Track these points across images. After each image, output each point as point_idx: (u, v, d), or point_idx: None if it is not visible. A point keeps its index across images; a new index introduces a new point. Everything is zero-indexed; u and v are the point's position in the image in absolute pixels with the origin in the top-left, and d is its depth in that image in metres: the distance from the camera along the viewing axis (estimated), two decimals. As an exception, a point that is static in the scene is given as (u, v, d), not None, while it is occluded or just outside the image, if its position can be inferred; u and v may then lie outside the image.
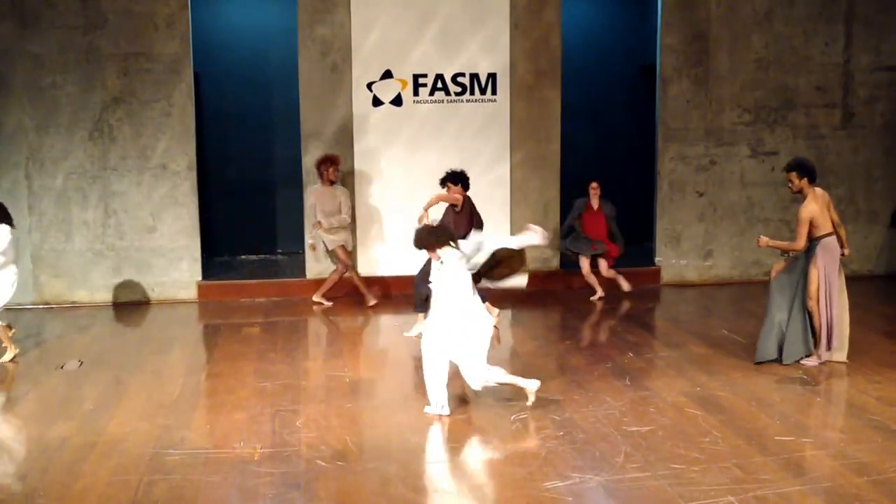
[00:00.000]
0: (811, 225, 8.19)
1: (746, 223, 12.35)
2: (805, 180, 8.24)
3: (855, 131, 12.48)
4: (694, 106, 12.15)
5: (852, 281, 11.42)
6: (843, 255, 8.41)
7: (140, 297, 11.52)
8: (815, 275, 8.21)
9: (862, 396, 7.48)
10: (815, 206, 8.18)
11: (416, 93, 11.75)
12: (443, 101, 11.79)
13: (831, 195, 12.36)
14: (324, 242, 11.16)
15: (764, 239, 8.44)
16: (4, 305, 8.95)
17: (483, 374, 7.17)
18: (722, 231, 12.35)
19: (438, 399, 7.16)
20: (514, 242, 7.56)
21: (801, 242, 8.21)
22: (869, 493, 5.60)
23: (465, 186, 9.56)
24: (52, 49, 11.08)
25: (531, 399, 7.27)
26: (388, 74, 11.67)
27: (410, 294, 11.30)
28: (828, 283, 8.21)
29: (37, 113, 11.17)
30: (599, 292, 11.36)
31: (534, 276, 11.92)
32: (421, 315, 9.51)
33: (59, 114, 11.19)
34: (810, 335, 8.35)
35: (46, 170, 11.24)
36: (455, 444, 6.59)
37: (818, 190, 8.30)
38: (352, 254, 11.55)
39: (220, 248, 13.52)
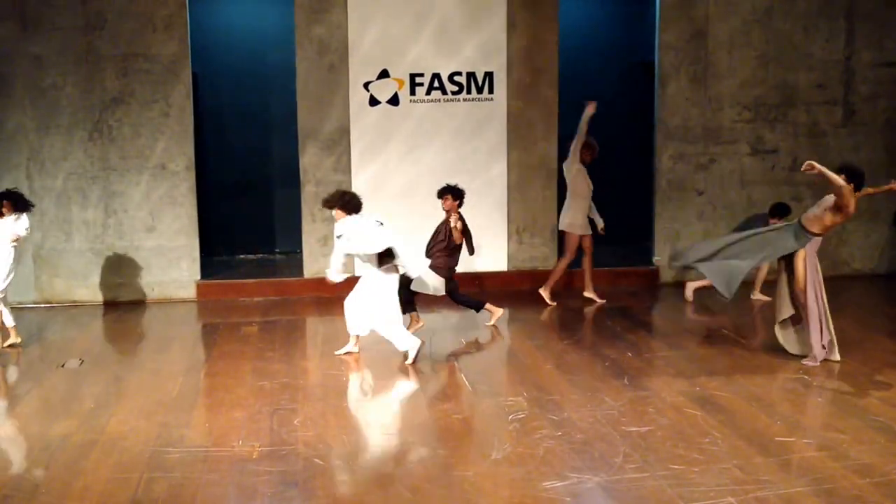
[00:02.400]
0: (819, 219, 8.16)
1: (747, 222, 12.32)
2: (852, 185, 8.11)
3: (856, 129, 12.46)
4: (693, 104, 12.14)
5: (854, 280, 11.48)
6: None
7: (139, 296, 11.52)
8: (803, 268, 8.24)
9: (864, 397, 7.46)
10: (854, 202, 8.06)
11: (412, 92, 11.74)
12: (440, 101, 11.78)
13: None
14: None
15: (810, 163, 8.14)
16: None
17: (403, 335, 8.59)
18: (722, 230, 12.30)
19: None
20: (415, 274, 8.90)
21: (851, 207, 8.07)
22: (871, 496, 5.58)
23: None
24: (52, 50, 11.08)
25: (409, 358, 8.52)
26: (384, 74, 11.67)
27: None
28: (815, 282, 8.21)
29: (37, 114, 11.18)
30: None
31: (530, 275, 12.01)
32: (411, 315, 9.59)
33: (60, 114, 11.19)
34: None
35: (47, 170, 11.24)
36: (452, 443, 6.58)
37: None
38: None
39: (219, 248, 13.51)
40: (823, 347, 8.33)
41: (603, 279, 12.00)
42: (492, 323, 10.03)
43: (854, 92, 12.44)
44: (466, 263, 11.84)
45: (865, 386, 7.72)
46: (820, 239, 8.30)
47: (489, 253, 12.00)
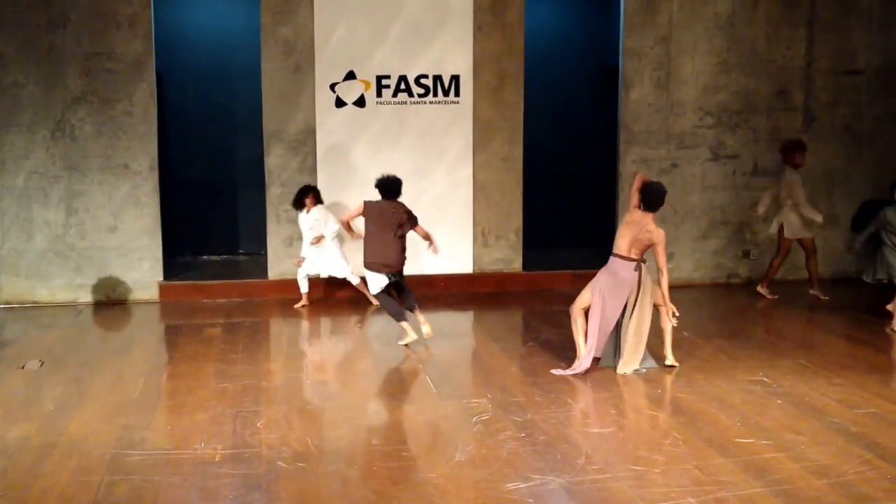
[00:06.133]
0: (644, 246, 8.24)
1: (708, 226, 12.46)
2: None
3: (816, 135, 12.61)
4: (656, 109, 12.24)
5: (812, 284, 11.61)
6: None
7: (101, 297, 11.42)
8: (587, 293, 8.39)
9: (822, 399, 7.56)
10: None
11: (379, 94, 11.74)
12: (406, 103, 11.80)
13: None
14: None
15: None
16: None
17: None
18: (683, 233, 12.43)
19: None
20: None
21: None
22: (828, 496, 5.67)
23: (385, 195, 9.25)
24: (14, 48, 10.95)
25: None
26: (351, 75, 11.66)
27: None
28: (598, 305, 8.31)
29: (-3, 112, 11.07)
30: None
31: (495, 278, 12.06)
32: (403, 324, 9.26)
33: (21, 113, 11.07)
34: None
35: (8, 169, 11.12)
36: (416, 445, 6.59)
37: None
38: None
39: (182, 249, 13.43)
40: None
41: (566, 281, 12.06)
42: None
43: (814, 99, 12.60)
44: (432, 265, 11.89)
45: (824, 388, 7.82)
46: (625, 265, 8.24)
47: (454, 255, 12.02)
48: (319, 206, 10.97)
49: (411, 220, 9.20)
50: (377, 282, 9.15)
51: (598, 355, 8.39)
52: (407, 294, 9.37)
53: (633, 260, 8.21)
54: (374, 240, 9.11)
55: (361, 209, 9.17)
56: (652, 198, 8.21)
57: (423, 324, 9.31)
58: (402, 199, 9.30)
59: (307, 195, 10.91)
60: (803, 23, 12.44)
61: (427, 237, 9.30)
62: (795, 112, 12.57)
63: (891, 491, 5.71)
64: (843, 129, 12.70)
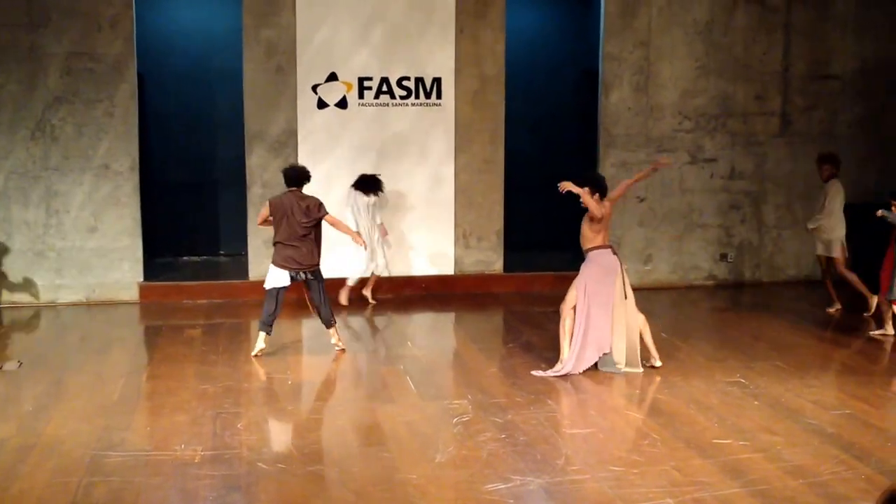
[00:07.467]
0: (584, 236, 8.42)
1: (685, 228, 12.54)
2: (596, 195, 8.37)
3: (792, 139, 12.73)
4: (635, 113, 12.32)
5: (789, 286, 11.71)
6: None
7: (81, 297, 11.38)
8: (573, 292, 8.38)
9: (798, 400, 7.63)
10: (600, 208, 8.36)
11: (361, 95, 11.77)
12: (388, 105, 11.82)
13: (769, 202, 12.72)
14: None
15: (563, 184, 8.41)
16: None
17: None
18: (661, 236, 12.52)
19: None
20: None
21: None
22: (805, 496, 5.73)
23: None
24: (-7, 47, 10.95)
25: None
26: (333, 77, 11.68)
27: (352, 297, 11.30)
28: (584, 302, 8.32)
29: (-23, 111, 11.02)
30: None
31: (476, 279, 12.10)
32: (262, 333, 8.94)
33: (1, 112, 11.02)
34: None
35: (-14, 169, 11.10)
36: (397, 446, 6.61)
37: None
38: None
39: (163, 249, 13.40)
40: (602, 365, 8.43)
41: (547, 283, 12.12)
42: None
43: (791, 103, 12.72)
44: (413, 266, 11.92)
45: (800, 389, 7.90)
46: (602, 253, 8.37)
47: (435, 257, 12.06)
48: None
49: (320, 210, 8.83)
50: (274, 278, 8.85)
51: (606, 351, 8.39)
52: (324, 306, 9.04)
53: (608, 246, 8.42)
54: (282, 236, 8.80)
55: (267, 208, 8.87)
56: (602, 184, 8.49)
57: (336, 340, 9.15)
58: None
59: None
60: (780, 28, 12.55)
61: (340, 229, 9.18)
62: (772, 116, 12.68)
63: (866, 491, 5.78)
64: (819, 133, 12.82)
